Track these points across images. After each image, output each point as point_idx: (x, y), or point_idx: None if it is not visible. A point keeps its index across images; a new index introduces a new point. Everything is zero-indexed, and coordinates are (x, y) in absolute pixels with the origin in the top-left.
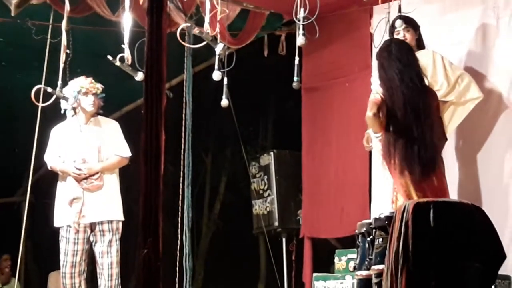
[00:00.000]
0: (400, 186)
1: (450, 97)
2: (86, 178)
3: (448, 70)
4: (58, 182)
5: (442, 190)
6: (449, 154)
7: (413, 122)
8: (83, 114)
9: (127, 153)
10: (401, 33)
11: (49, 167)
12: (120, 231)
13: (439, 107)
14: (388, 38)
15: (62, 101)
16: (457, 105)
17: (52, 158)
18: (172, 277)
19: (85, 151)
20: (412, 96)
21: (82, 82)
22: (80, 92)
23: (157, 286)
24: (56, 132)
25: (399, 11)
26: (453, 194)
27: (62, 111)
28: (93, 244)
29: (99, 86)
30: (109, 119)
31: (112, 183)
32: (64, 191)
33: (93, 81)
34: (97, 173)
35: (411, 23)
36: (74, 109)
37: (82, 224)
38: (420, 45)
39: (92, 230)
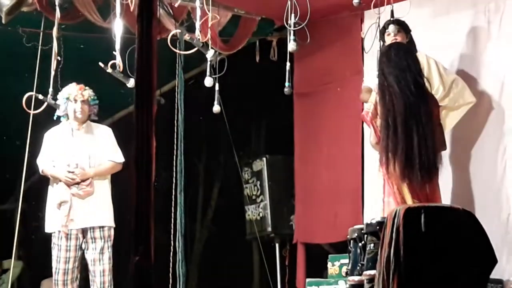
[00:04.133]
0: (397, 192)
1: (444, 102)
2: (77, 184)
3: (443, 75)
4: (49, 187)
5: (435, 199)
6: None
7: (414, 127)
8: (75, 120)
9: (120, 158)
10: (392, 36)
11: (40, 171)
12: (112, 238)
13: (439, 114)
14: (380, 41)
15: (58, 108)
16: (450, 109)
17: (44, 162)
18: (165, 284)
19: (77, 157)
20: (412, 102)
21: (71, 89)
22: (68, 99)
23: None
24: (49, 137)
25: (392, 15)
26: (446, 199)
27: (55, 118)
28: (85, 251)
29: (89, 93)
30: (102, 125)
31: (104, 189)
32: (53, 195)
33: (84, 87)
34: (88, 179)
35: (401, 26)
36: (66, 115)
37: (73, 230)
38: (412, 46)
39: (84, 237)
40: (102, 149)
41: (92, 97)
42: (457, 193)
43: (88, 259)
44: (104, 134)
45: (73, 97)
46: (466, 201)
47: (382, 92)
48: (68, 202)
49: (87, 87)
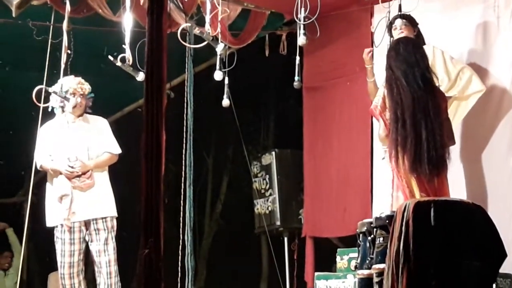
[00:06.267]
0: (405, 185)
1: (452, 92)
2: (78, 176)
3: (449, 65)
4: (47, 183)
5: (443, 193)
6: (453, 153)
7: (422, 121)
8: (72, 114)
9: (117, 150)
10: (398, 30)
11: (38, 167)
12: (115, 228)
13: (447, 109)
14: (388, 36)
15: (51, 99)
16: (460, 99)
17: (42, 157)
18: (174, 277)
19: (76, 149)
20: (420, 96)
21: (70, 83)
22: (67, 92)
23: (158, 286)
24: (45, 131)
25: (400, 10)
26: (457, 193)
27: (50, 109)
28: (89, 243)
29: (87, 87)
30: (97, 117)
31: (103, 180)
32: (53, 190)
33: (82, 81)
34: (88, 171)
35: (408, 20)
36: (62, 107)
37: (76, 223)
38: (420, 41)
39: (87, 229)
40: (100, 140)
41: (89, 91)
42: (468, 187)
43: (92, 250)
44: (100, 126)
45: (72, 91)
46: (477, 195)
47: (390, 86)
48: (69, 195)
49: (84, 81)
